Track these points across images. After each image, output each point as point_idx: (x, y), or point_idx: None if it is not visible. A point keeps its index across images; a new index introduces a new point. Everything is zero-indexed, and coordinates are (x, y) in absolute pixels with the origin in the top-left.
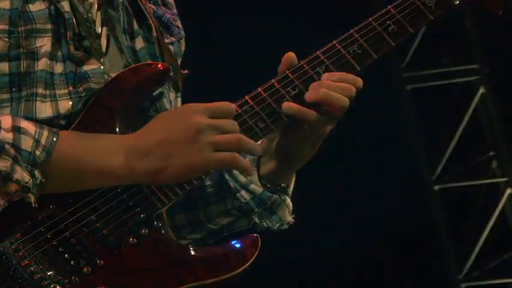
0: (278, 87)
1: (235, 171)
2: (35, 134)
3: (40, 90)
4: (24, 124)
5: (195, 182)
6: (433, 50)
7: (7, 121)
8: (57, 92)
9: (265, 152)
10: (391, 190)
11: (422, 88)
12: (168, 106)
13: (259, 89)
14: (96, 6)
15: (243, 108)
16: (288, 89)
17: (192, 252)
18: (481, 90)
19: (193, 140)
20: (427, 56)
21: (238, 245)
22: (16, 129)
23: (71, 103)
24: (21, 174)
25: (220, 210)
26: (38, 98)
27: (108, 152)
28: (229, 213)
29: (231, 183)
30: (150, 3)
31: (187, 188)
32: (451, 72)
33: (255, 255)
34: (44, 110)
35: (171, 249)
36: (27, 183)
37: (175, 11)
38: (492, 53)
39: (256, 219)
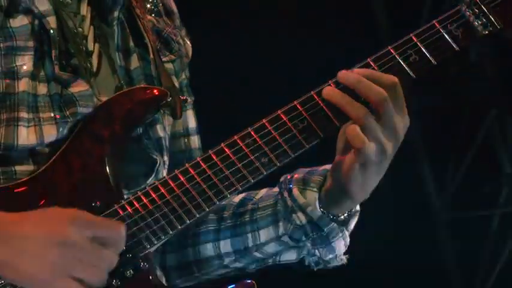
0: (285, 120)
1: (295, 192)
2: None
3: (23, 114)
4: None
5: (188, 221)
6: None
7: None
8: (42, 115)
9: (331, 176)
10: (396, 218)
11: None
12: (161, 134)
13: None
14: (88, 20)
15: (245, 142)
16: (296, 121)
17: None
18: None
19: (50, 251)
20: (434, 73)
21: None
22: None
23: (56, 129)
24: None
25: (271, 235)
26: (20, 123)
27: None
28: (280, 239)
29: (289, 202)
30: (151, 15)
31: (179, 227)
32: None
33: None
34: (27, 136)
35: None
36: None
37: (178, 22)
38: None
39: (309, 244)
